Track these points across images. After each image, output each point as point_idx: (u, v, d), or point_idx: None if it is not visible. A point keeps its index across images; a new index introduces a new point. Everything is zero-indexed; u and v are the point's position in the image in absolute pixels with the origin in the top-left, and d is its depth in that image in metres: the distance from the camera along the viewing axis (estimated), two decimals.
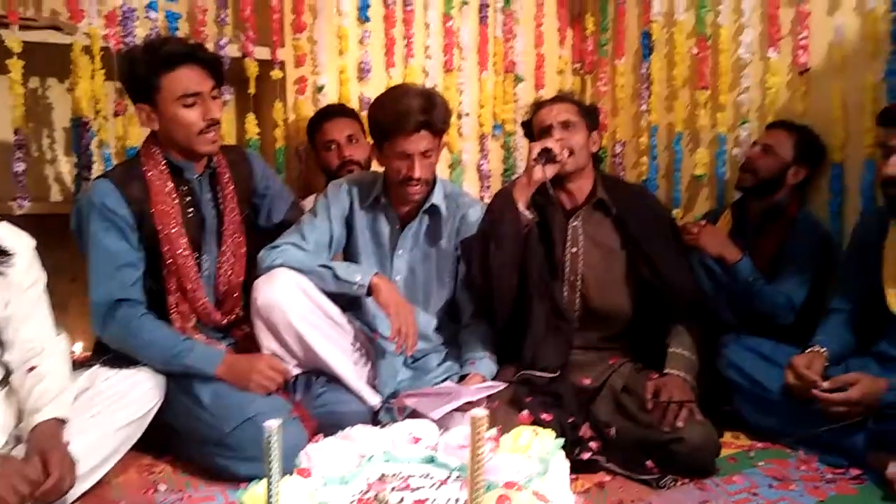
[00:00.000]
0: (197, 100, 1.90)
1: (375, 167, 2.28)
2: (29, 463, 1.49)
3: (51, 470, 1.50)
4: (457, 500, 1.08)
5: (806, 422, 1.91)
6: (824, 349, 1.97)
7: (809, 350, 1.98)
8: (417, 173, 2.01)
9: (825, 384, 1.85)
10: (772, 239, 2.39)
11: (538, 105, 2.24)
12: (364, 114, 2.78)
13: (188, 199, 2.01)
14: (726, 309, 2.30)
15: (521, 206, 2.02)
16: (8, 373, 1.68)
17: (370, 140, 2.66)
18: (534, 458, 1.21)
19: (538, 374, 1.96)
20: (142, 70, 1.88)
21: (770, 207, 2.42)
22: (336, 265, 2.00)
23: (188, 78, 1.88)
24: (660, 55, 2.97)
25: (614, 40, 3.16)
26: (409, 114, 1.96)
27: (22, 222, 1.80)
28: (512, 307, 2.04)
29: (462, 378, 1.98)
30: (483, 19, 3.06)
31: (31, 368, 1.64)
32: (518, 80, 3.12)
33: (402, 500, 1.07)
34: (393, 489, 1.12)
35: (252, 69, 2.61)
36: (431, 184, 2.13)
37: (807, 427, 1.89)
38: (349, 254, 2.19)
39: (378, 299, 1.98)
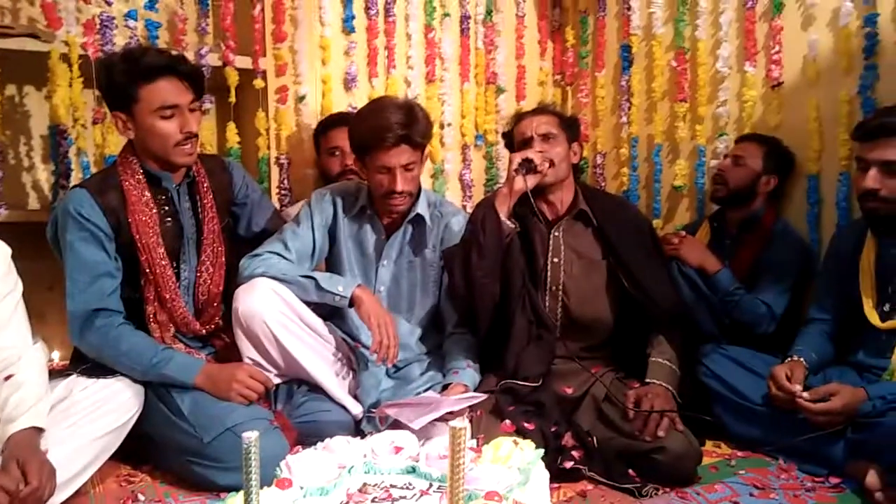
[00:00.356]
0: (175, 112, 1.88)
1: None
2: (6, 471, 1.45)
3: (30, 478, 1.47)
4: None
5: (786, 431, 1.92)
6: (803, 359, 1.99)
7: (789, 360, 2.00)
8: (399, 187, 2.01)
9: (806, 394, 1.86)
10: (750, 249, 2.42)
11: (519, 116, 2.25)
12: None
13: (166, 208, 1.99)
14: (707, 319, 2.32)
15: (503, 216, 2.03)
16: None
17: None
18: (514, 468, 1.20)
19: (520, 383, 1.96)
20: (120, 79, 1.86)
21: (747, 218, 2.45)
22: (319, 276, 1.99)
23: (167, 90, 1.86)
24: (639, 68, 3.01)
25: (594, 53, 3.20)
26: (389, 128, 1.96)
27: None
28: (493, 316, 2.04)
29: (445, 388, 1.97)
30: (464, 31, 3.08)
31: (8, 377, 1.62)
32: (499, 91, 3.14)
33: None
34: (374, 499, 1.11)
35: (233, 78, 2.60)
36: (415, 195, 2.13)
37: (786, 436, 1.91)
38: (332, 263, 2.19)
39: (360, 311, 1.98)
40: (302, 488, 1.11)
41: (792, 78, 2.51)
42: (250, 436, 0.90)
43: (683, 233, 2.49)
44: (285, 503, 1.03)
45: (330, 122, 2.62)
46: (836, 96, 2.36)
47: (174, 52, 1.98)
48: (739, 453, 2.02)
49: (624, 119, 3.05)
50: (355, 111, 2.77)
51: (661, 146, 2.93)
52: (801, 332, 2.14)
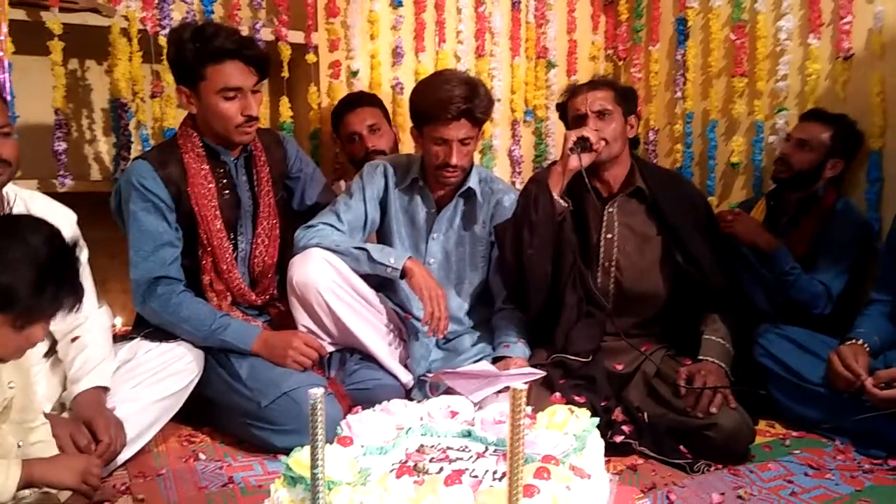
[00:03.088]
0: (237, 94, 1.92)
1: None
2: (77, 429, 1.52)
3: (100, 435, 1.54)
4: (495, 472, 1.09)
5: (843, 412, 1.88)
6: (865, 342, 1.94)
7: (850, 342, 1.94)
8: (455, 160, 2.02)
9: (870, 380, 1.82)
10: (808, 228, 2.36)
11: (574, 90, 2.18)
12: (400, 98, 2.80)
13: (224, 181, 2.04)
14: (762, 298, 2.27)
15: (556, 194, 2.01)
16: (53, 343, 1.73)
17: (395, 125, 2.68)
18: (570, 434, 1.21)
19: (571, 357, 1.96)
20: (189, 57, 1.90)
21: (807, 197, 2.38)
22: (371, 247, 2.02)
23: (232, 73, 1.90)
24: (695, 41, 2.94)
25: (649, 26, 3.13)
26: (451, 101, 1.96)
27: (63, 200, 1.84)
28: (546, 296, 2.03)
29: (496, 360, 1.99)
30: (515, 4, 3.05)
31: (75, 338, 1.69)
32: (550, 65, 3.10)
33: (440, 469, 1.08)
34: (431, 459, 1.13)
35: (285, 53, 2.63)
36: (468, 169, 2.13)
37: (844, 417, 1.87)
38: (383, 235, 2.21)
39: (411, 283, 2.00)
40: (362, 447, 1.14)
41: (857, 51, 2.42)
42: (317, 392, 0.92)
43: (738, 210, 2.43)
44: (347, 460, 1.05)
45: (343, 108, 2.57)
46: None
47: (243, 35, 2.01)
48: (794, 433, 1.99)
49: (678, 94, 2.99)
50: (401, 86, 2.80)
51: (717, 122, 2.86)
52: (862, 313, 2.08)
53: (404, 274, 1.99)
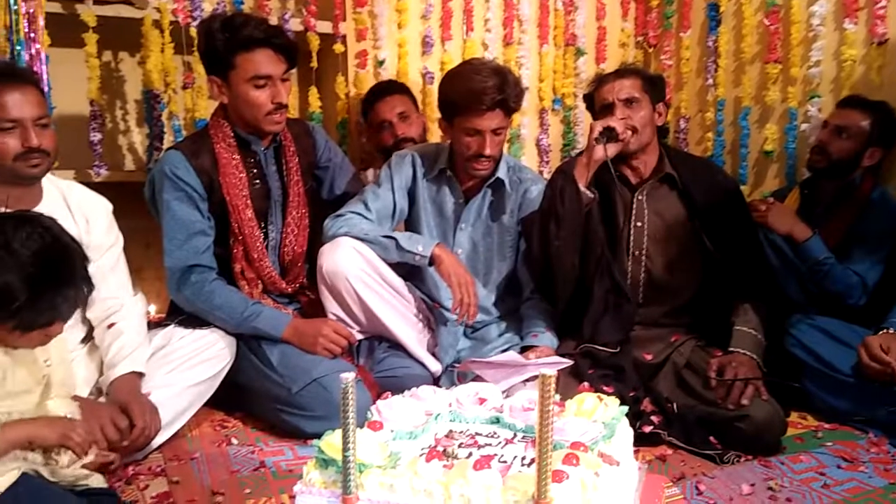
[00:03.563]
0: (268, 82, 1.94)
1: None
2: (116, 413, 1.56)
3: (135, 420, 1.58)
4: (523, 458, 1.09)
5: (877, 404, 1.85)
6: None
7: (882, 332, 1.91)
8: (488, 150, 2.01)
9: None
10: (843, 218, 2.31)
11: (601, 79, 2.16)
12: (429, 87, 2.80)
13: (254, 171, 2.06)
14: (795, 288, 2.24)
15: (582, 186, 1.99)
16: (90, 329, 1.77)
17: (422, 114, 2.68)
18: (599, 422, 1.21)
19: (599, 347, 1.95)
20: (219, 46, 1.92)
21: (843, 186, 2.33)
22: (399, 236, 2.03)
23: (262, 61, 1.92)
24: (727, 27, 2.89)
25: (679, 12, 3.08)
26: (485, 92, 1.95)
27: (98, 189, 1.87)
28: (574, 288, 2.02)
29: (524, 349, 1.99)
30: None
31: (111, 325, 1.73)
32: (579, 53, 3.08)
33: (469, 454, 1.09)
34: (461, 445, 1.13)
35: (314, 43, 2.64)
36: (498, 159, 2.13)
37: (877, 408, 1.84)
38: (411, 224, 2.21)
39: (440, 270, 2.00)
40: (392, 431, 1.15)
41: (891, 36, 2.36)
42: (348, 376, 0.93)
43: (771, 199, 2.39)
44: (377, 443, 1.07)
45: (373, 96, 2.58)
46: None
47: (272, 24, 2.03)
48: (826, 425, 1.96)
49: (710, 81, 2.94)
50: (431, 75, 2.80)
51: (750, 109, 2.81)
52: None
53: (433, 261, 2.00)
